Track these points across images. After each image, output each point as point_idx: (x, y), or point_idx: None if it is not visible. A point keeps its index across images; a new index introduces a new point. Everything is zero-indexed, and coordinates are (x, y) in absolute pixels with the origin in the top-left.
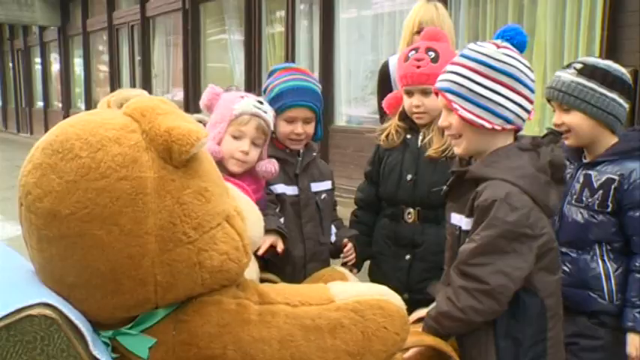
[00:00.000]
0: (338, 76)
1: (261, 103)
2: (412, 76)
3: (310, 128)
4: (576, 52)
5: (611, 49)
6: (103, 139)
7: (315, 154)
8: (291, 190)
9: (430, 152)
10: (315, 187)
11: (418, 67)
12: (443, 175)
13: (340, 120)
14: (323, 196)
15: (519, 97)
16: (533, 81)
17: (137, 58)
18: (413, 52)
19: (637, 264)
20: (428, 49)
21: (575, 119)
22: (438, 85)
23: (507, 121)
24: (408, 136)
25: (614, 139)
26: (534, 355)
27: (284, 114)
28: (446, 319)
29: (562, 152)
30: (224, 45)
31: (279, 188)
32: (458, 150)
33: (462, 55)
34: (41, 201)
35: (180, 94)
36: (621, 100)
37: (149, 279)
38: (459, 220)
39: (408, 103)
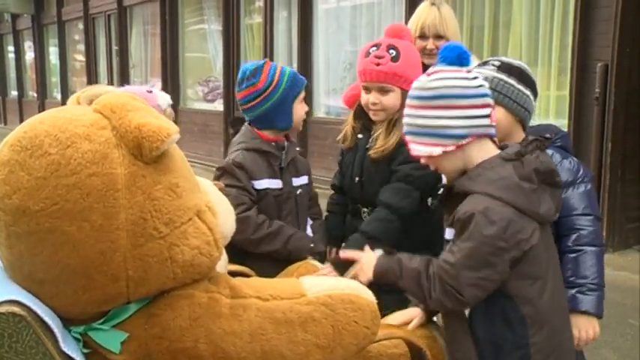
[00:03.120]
0: (316, 67)
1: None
2: (371, 73)
3: None
4: (550, 46)
5: (583, 44)
6: (72, 135)
7: (297, 148)
8: (275, 184)
9: (371, 152)
10: (295, 181)
11: (378, 64)
12: (383, 176)
13: (319, 111)
14: (299, 191)
15: (464, 110)
16: (479, 86)
17: (114, 47)
18: (374, 48)
19: (568, 244)
20: (390, 47)
21: (497, 115)
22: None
23: (459, 137)
24: (359, 136)
25: (522, 135)
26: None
27: (300, 96)
28: (411, 281)
29: (549, 157)
30: (203, 35)
31: (264, 183)
32: (445, 179)
33: (407, 96)
34: (10, 198)
35: (158, 85)
36: (532, 97)
37: (121, 274)
38: (449, 233)
39: (365, 98)
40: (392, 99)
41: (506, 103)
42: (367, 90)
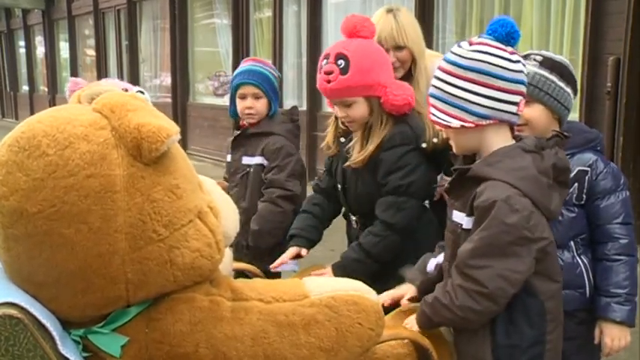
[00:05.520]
0: None
1: (142, 92)
2: (325, 91)
3: (260, 104)
4: (562, 40)
5: (595, 37)
6: (71, 136)
7: (242, 132)
8: (228, 158)
9: (350, 162)
10: (246, 160)
11: (328, 81)
12: (364, 185)
13: (328, 106)
14: (250, 169)
15: (494, 91)
16: (518, 71)
17: (124, 42)
18: (325, 60)
19: (606, 251)
20: (337, 57)
21: (535, 112)
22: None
23: (482, 116)
24: (342, 140)
25: None
26: (531, 357)
27: (237, 92)
28: (444, 310)
29: (564, 154)
30: (212, 29)
31: (227, 157)
32: (454, 149)
33: (443, 59)
34: (7, 199)
35: (168, 79)
36: (572, 95)
37: (120, 277)
38: (461, 218)
39: (335, 111)
40: (358, 110)
41: (546, 100)
42: (334, 104)
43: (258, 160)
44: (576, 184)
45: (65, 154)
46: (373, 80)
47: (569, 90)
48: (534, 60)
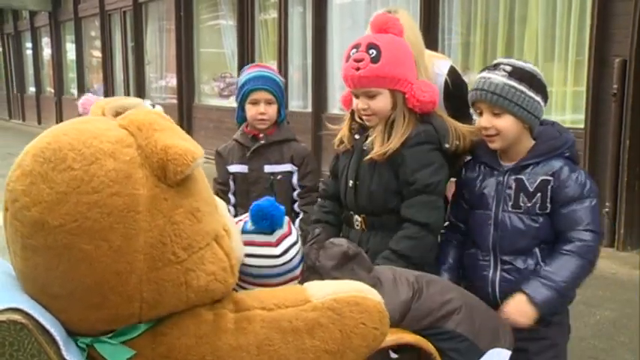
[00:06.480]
0: (331, 63)
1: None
2: (352, 79)
3: (272, 110)
4: (567, 40)
5: (601, 39)
6: (97, 151)
7: (265, 141)
8: (241, 168)
9: (372, 154)
10: (269, 168)
11: (357, 68)
12: (380, 181)
13: (334, 107)
14: (279, 176)
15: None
16: (288, 261)
17: (130, 44)
18: (354, 50)
19: (563, 248)
20: (369, 46)
21: (506, 123)
22: None
23: None
24: (356, 137)
25: (530, 140)
26: None
27: (249, 98)
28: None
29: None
30: (217, 31)
31: (233, 168)
32: None
33: None
34: (29, 210)
35: (173, 81)
36: (543, 103)
37: (135, 296)
38: None
39: (354, 104)
40: (381, 102)
41: (516, 111)
42: (355, 96)
43: (287, 167)
44: (539, 194)
45: (91, 170)
46: (401, 74)
47: (538, 99)
48: (503, 70)
